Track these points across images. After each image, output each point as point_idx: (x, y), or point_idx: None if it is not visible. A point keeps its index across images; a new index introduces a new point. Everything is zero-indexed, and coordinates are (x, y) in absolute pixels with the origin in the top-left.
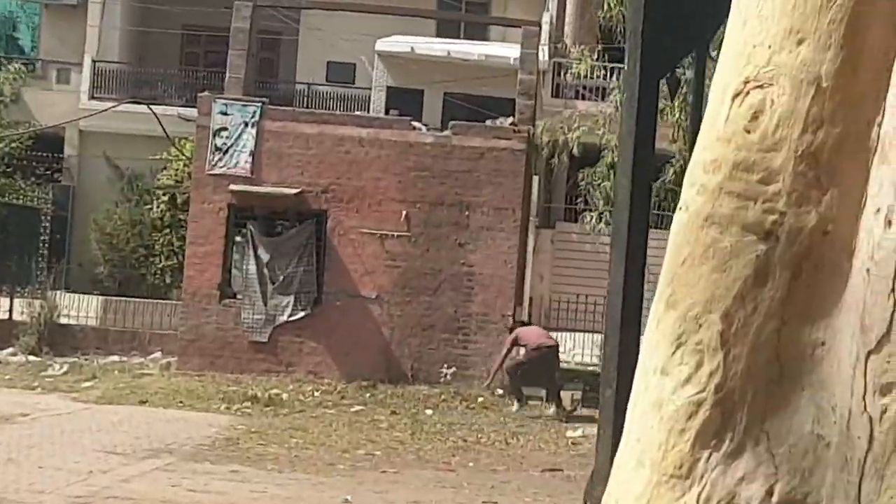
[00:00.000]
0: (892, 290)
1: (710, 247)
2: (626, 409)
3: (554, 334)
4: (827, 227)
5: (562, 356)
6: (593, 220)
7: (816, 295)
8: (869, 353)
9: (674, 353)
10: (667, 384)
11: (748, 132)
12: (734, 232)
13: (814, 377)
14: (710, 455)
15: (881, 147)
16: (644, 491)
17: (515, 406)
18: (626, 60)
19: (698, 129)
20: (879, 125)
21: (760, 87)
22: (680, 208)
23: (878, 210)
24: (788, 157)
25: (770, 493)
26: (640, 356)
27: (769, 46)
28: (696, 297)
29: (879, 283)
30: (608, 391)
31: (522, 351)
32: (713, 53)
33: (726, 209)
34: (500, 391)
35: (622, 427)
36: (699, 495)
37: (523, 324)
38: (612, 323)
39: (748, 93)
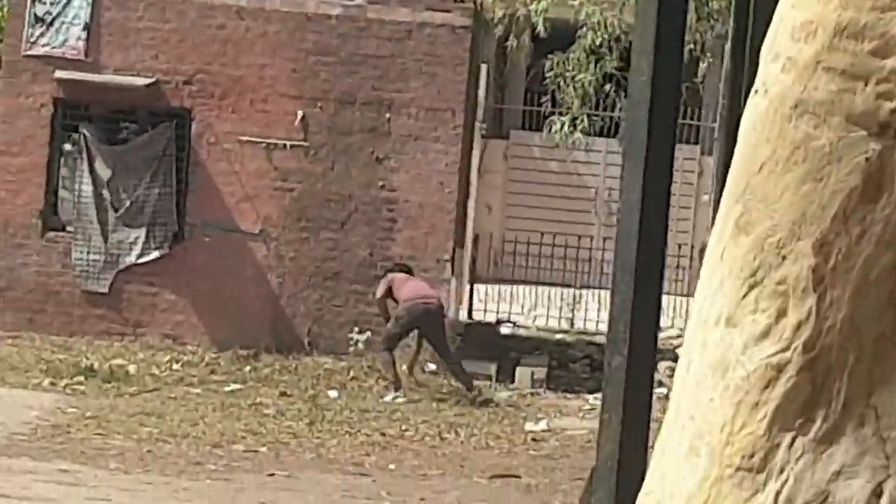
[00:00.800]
0: None
1: (801, 146)
2: (640, 383)
3: (506, 288)
4: None
5: (519, 318)
6: (564, 128)
7: None
8: None
9: (745, 295)
10: (735, 340)
11: None
12: (835, 125)
13: None
14: (795, 440)
15: None
16: (700, 488)
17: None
18: None
19: None
20: None
21: None
22: (756, 92)
23: None
24: None
25: (878, 493)
26: (696, 301)
27: None
28: (778, 218)
29: None
30: (617, 359)
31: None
32: None
33: (824, 93)
34: (433, 366)
35: (636, 408)
36: (777, 495)
37: (403, 270)
38: (625, 265)
39: None
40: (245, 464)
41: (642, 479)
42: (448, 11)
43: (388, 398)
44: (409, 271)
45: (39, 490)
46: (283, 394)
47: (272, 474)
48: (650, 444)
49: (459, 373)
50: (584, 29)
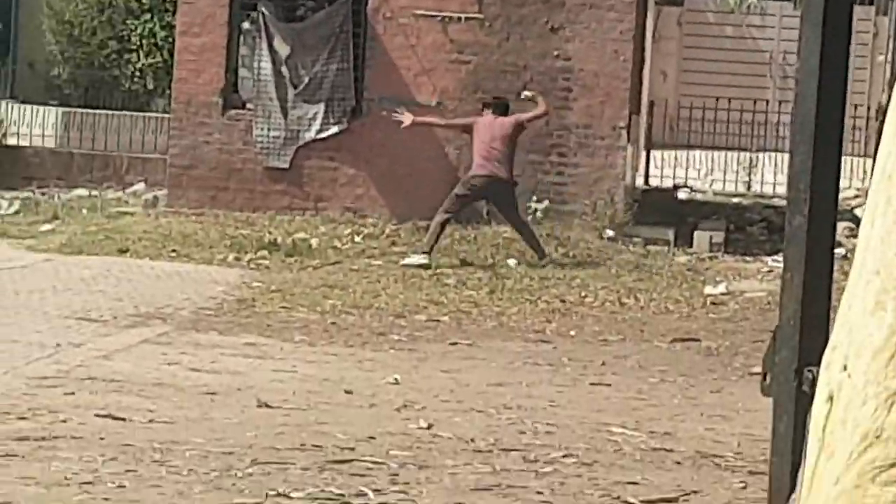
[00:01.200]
0: None
1: None
2: (821, 241)
3: (682, 153)
4: None
5: (696, 183)
6: None
7: None
8: None
9: None
10: None
11: None
12: None
13: None
14: None
15: None
16: (886, 342)
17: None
18: None
19: None
20: None
21: None
22: None
23: None
24: None
25: None
26: (879, 157)
27: None
28: None
29: None
30: (798, 219)
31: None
32: None
33: None
34: (611, 232)
35: (817, 267)
36: None
37: (497, 107)
38: (804, 126)
39: None
40: (427, 333)
41: (825, 337)
42: None
43: (411, 259)
44: (505, 108)
45: (227, 363)
46: (463, 263)
47: (454, 343)
48: (832, 303)
49: (531, 240)
50: None
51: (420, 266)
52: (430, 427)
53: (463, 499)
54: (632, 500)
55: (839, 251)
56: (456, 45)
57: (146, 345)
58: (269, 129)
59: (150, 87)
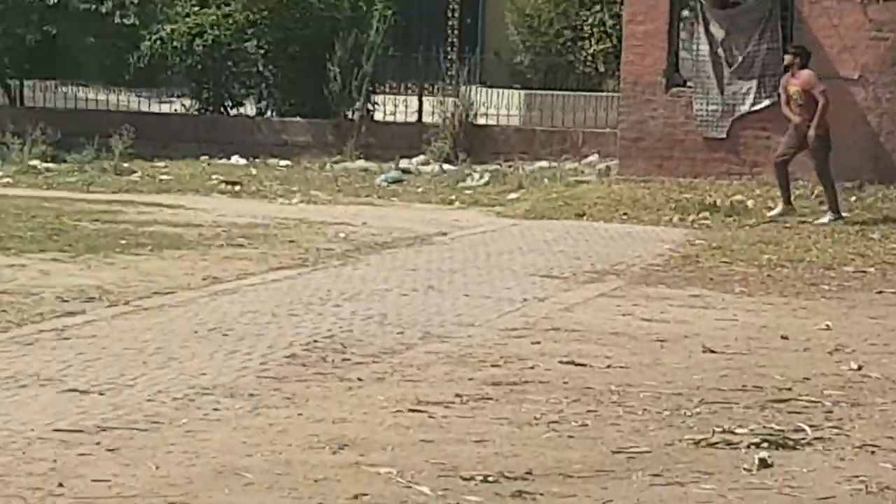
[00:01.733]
0: None
1: None
2: None
3: None
4: None
5: None
6: None
7: None
8: None
9: None
10: None
11: None
12: None
13: None
14: None
15: None
16: None
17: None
18: None
19: None
20: None
21: None
22: None
23: None
24: None
25: None
26: None
27: None
28: None
29: None
30: None
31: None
32: None
33: None
34: None
35: None
36: None
37: (805, 59)
38: None
39: None
40: (855, 283)
41: None
42: None
43: (822, 220)
44: (807, 57)
45: (675, 313)
46: (886, 219)
47: (881, 292)
48: None
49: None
50: None
51: (833, 222)
52: (860, 368)
53: (893, 433)
54: None
55: None
56: (875, 24)
57: (602, 298)
58: (707, 104)
59: (601, 69)
